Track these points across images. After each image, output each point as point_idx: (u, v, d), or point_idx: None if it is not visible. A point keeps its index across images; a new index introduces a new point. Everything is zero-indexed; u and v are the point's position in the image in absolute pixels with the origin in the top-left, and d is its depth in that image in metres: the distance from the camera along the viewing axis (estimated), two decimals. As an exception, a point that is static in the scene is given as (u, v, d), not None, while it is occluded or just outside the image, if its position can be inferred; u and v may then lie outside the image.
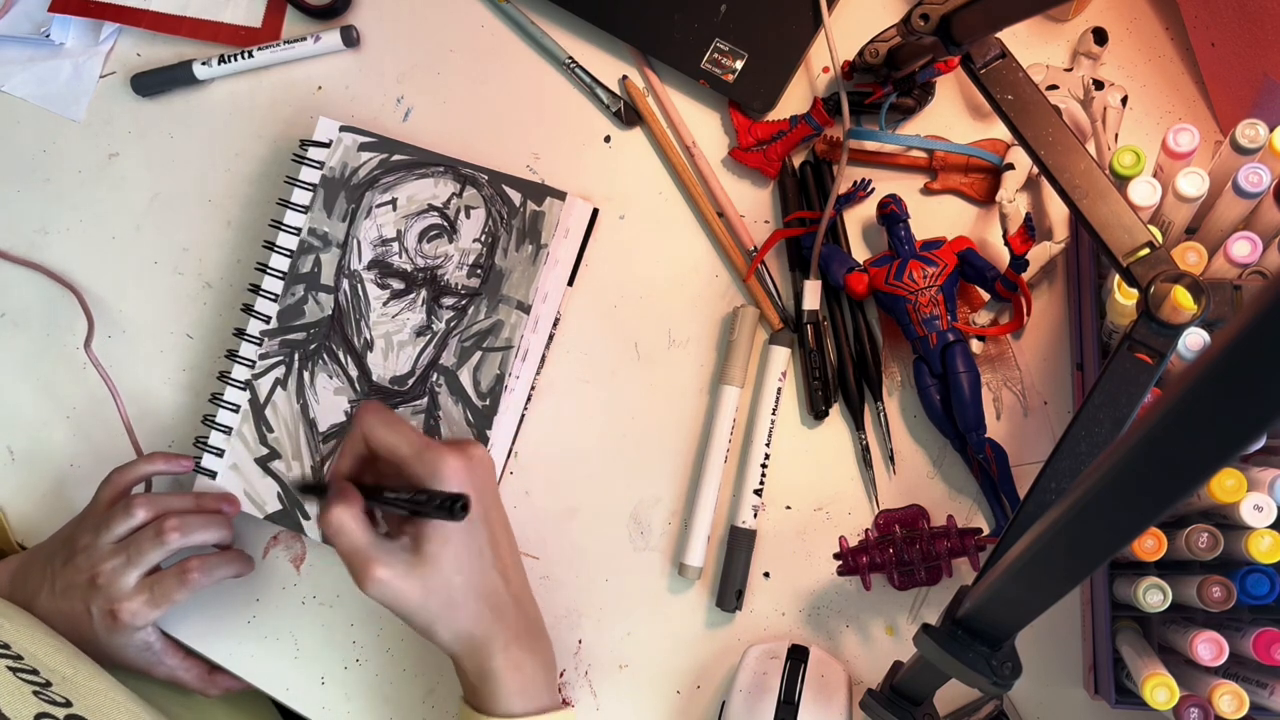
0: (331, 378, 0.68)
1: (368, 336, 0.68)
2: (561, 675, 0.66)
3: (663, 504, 0.67)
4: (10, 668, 0.53)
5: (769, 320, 0.67)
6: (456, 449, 0.54)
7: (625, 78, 0.71)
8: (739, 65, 0.68)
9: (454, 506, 0.49)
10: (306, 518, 0.67)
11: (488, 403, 0.66)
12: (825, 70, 0.69)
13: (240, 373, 0.69)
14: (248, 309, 0.70)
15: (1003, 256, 0.64)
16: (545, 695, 0.57)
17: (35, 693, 0.52)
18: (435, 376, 0.67)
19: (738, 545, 0.65)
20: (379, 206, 0.69)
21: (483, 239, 0.68)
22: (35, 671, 0.54)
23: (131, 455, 0.70)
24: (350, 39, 0.73)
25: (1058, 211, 0.64)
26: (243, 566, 0.67)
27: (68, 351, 0.74)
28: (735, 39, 0.68)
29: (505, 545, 0.57)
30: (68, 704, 0.53)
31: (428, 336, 0.68)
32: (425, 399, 0.67)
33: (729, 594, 0.64)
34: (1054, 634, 0.62)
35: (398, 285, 0.68)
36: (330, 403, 0.68)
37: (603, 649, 0.66)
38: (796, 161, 0.68)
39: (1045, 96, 0.54)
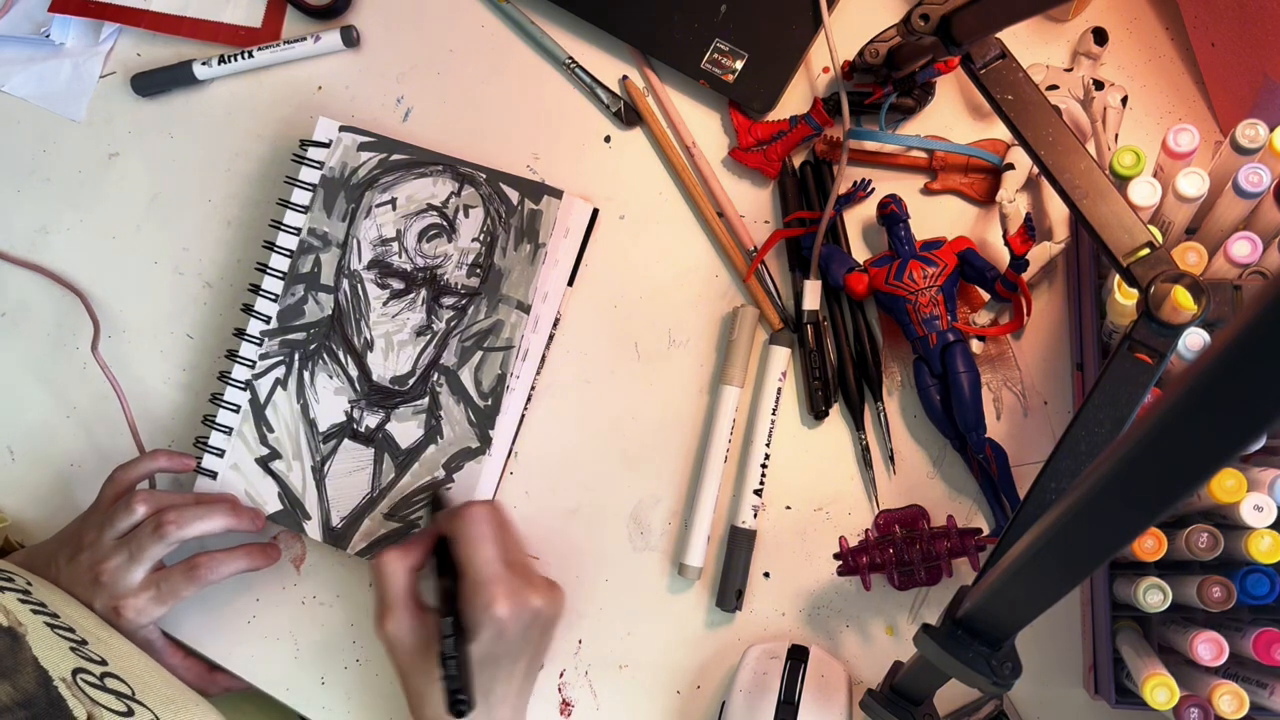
0: (331, 378, 0.68)
1: (368, 336, 0.68)
2: (561, 675, 0.66)
3: (663, 504, 0.67)
4: (48, 623, 0.53)
5: (769, 320, 0.67)
6: (515, 599, 0.57)
7: (625, 78, 0.71)
8: (739, 65, 0.68)
9: (456, 705, 0.55)
10: (307, 517, 0.67)
11: (490, 402, 0.66)
12: (825, 70, 0.69)
13: (240, 373, 0.69)
14: (248, 309, 0.70)
15: (1003, 256, 0.64)
16: None
17: (73, 649, 0.53)
18: (436, 376, 0.67)
19: (738, 545, 0.65)
20: (378, 206, 0.69)
21: (481, 238, 0.68)
22: (71, 630, 0.55)
23: (134, 454, 0.70)
24: (350, 39, 0.73)
25: (1058, 211, 0.64)
26: (257, 560, 0.65)
27: (68, 351, 0.74)
28: (735, 39, 0.68)
29: (513, 689, 0.59)
30: (103, 662, 0.54)
31: (428, 336, 0.68)
32: (426, 398, 0.67)
33: (729, 594, 0.64)
34: (1054, 634, 0.62)
35: (397, 285, 0.68)
36: (330, 403, 0.68)
37: (603, 649, 0.66)
38: (796, 161, 0.68)
39: (1045, 96, 0.54)
